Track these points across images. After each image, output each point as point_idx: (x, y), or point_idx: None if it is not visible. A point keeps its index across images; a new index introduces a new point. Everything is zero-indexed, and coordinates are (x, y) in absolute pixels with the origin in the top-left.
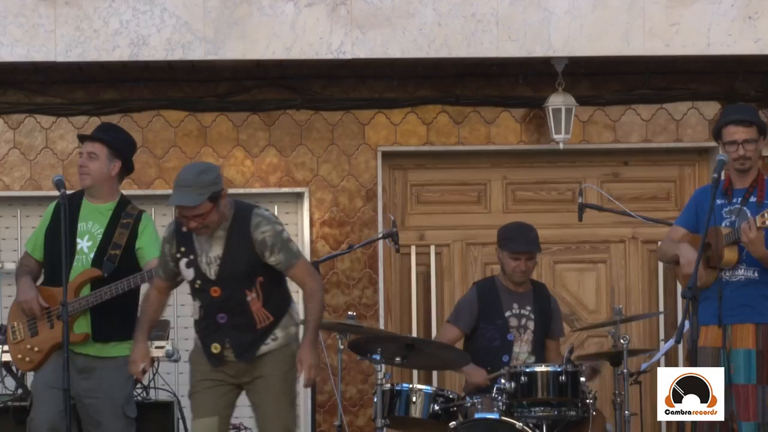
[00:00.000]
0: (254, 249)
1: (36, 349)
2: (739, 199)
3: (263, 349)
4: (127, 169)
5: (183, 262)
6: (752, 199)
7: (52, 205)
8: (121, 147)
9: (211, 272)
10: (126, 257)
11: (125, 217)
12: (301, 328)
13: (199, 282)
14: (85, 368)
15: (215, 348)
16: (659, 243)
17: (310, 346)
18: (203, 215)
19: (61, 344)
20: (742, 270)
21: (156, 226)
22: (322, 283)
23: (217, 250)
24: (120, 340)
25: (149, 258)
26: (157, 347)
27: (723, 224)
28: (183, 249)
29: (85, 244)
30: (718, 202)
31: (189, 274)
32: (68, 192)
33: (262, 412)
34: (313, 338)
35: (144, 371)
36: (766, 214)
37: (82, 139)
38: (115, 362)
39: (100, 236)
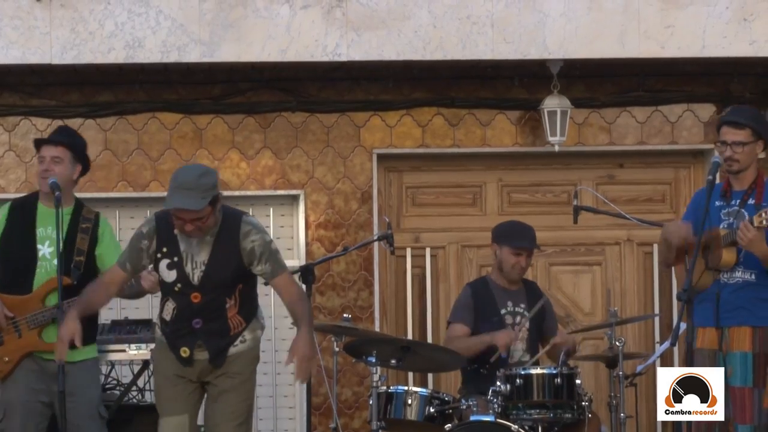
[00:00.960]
0: (241, 257)
1: (6, 358)
2: (738, 201)
3: (232, 351)
4: (83, 173)
5: (164, 263)
6: (750, 201)
7: (5, 208)
8: (82, 150)
9: (195, 278)
10: (88, 263)
11: (84, 222)
12: (265, 330)
13: (179, 285)
14: (56, 374)
15: (184, 352)
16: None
17: (305, 336)
18: (202, 219)
19: (30, 353)
20: (740, 272)
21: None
22: (303, 291)
23: (203, 256)
24: (88, 343)
25: (109, 264)
26: (151, 349)
27: (721, 226)
28: (165, 250)
29: (47, 250)
30: (717, 203)
31: (170, 276)
32: (21, 195)
33: (218, 407)
34: (309, 332)
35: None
36: (763, 214)
37: (41, 143)
38: (84, 365)
39: (61, 241)
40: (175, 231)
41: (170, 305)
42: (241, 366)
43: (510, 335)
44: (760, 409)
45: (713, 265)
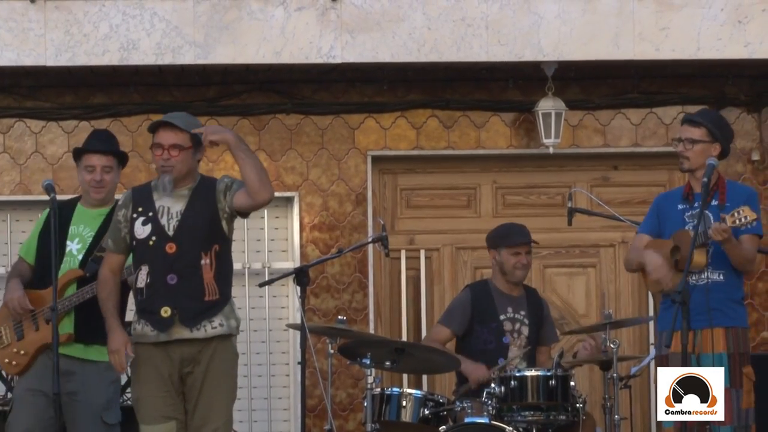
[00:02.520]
0: (216, 202)
1: (22, 352)
2: (699, 203)
3: (210, 330)
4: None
5: (139, 221)
6: (714, 202)
7: (47, 210)
8: (124, 155)
9: (170, 227)
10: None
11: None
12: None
13: (154, 238)
14: (66, 371)
15: (165, 312)
16: (626, 253)
17: (230, 132)
18: (180, 150)
19: (47, 346)
20: (708, 273)
21: None
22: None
23: (179, 206)
24: (103, 343)
25: None
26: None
27: (686, 228)
28: (140, 209)
29: (74, 246)
30: (680, 207)
31: (144, 231)
32: (61, 197)
33: (200, 408)
34: (241, 144)
35: (129, 357)
36: (736, 214)
37: (82, 152)
38: (96, 367)
39: (90, 239)
40: (149, 190)
41: (144, 270)
42: (219, 360)
43: (484, 375)
44: (739, 410)
45: (682, 266)
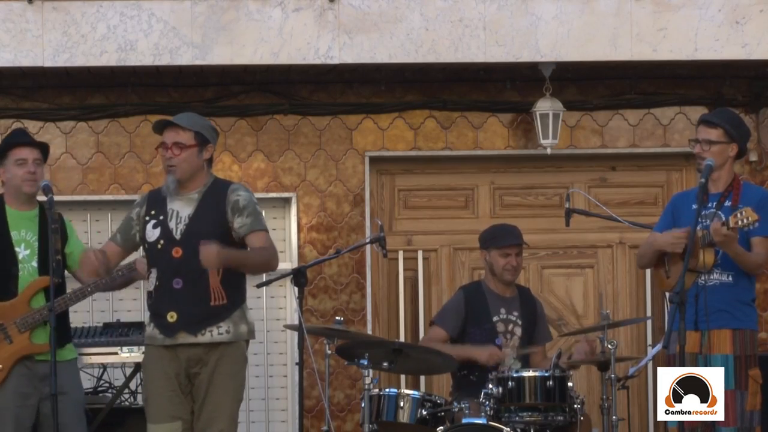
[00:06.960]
0: (225, 211)
1: (0, 366)
2: (714, 203)
3: (216, 335)
4: None
5: (150, 224)
6: (727, 203)
7: None
8: (47, 149)
9: (177, 232)
10: (63, 261)
11: (52, 222)
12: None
13: (162, 242)
14: (46, 375)
15: (171, 316)
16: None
17: (228, 252)
18: (182, 148)
19: (23, 357)
20: (717, 274)
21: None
22: (274, 256)
23: (188, 210)
24: (64, 343)
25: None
26: (143, 352)
27: (698, 228)
28: (153, 212)
29: (24, 253)
30: (694, 207)
31: (153, 234)
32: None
33: (206, 409)
34: (237, 254)
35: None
36: (738, 215)
37: (15, 144)
38: (71, 365)
39: (36, 243)
40: (163, 193)
41: (154, 274)
42: (225, 364)
43: (493, 353)
44: (743, 412)
45: (692, 266)
